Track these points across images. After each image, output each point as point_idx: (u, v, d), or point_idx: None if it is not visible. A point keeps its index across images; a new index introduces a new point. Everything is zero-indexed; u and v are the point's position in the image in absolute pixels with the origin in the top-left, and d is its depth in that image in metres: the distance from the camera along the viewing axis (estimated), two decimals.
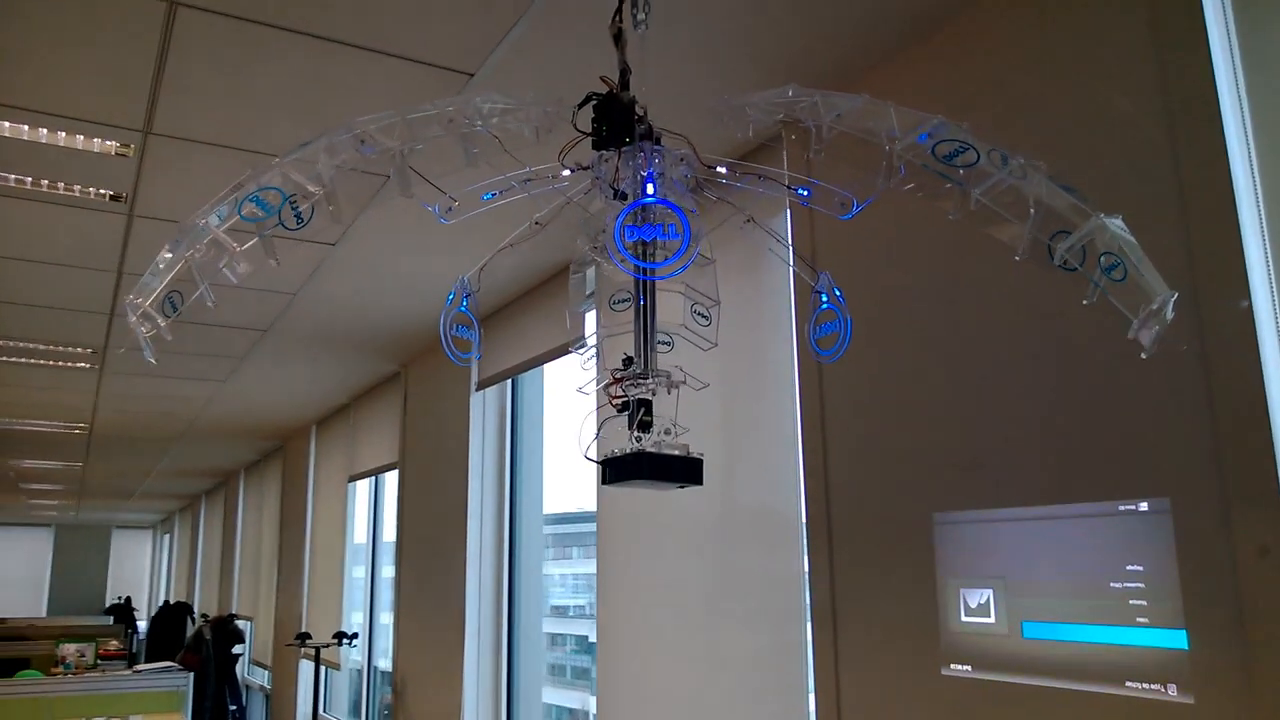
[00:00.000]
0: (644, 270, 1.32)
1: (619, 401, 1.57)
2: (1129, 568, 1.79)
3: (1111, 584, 1.81)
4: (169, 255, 1.36)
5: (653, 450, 1.48)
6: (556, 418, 4.75)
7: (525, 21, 2.29)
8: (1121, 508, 1.81)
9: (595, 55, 1.67)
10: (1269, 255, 1.67)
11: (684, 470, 1.49)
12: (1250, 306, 1.64)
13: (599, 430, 1.52)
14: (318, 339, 5.41)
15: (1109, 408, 1.86)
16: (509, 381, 4.77)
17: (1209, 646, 1.66)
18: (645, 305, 1.55)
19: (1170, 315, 1.24)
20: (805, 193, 1.50)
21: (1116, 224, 1.21)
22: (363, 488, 7.24)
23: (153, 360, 1.47)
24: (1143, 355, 1.26)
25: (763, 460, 2.78)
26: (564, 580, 5.00)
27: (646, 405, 1.55)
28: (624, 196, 1.57)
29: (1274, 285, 1.65)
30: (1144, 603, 1.76)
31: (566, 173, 1.56)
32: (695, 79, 2.48)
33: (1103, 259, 1.18)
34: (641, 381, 1.53)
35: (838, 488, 2.46)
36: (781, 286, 2.75)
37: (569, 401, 4.50)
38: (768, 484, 2.75)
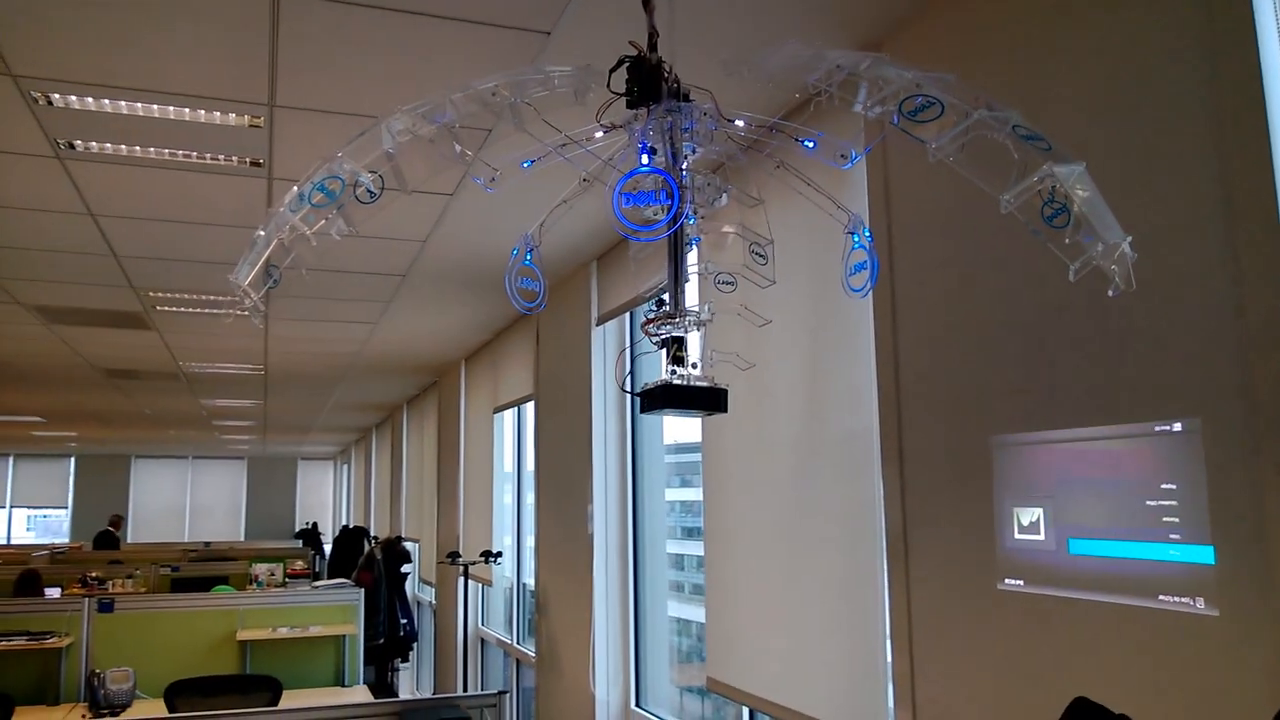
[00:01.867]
0: (635, 233, 1.45)
1: (656, 339, 1.76)
2: (1163, 486, 1.85)
3: (1147, 502, 1.88)
4: (261, 234, 1.61)
5: (678, 382, 1.65)
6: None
7: None
8: (1157, 428, 1.87)
9: (662, 4, 1.78)
10: None
11: (707, 399, 1.66)
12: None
13: (631, 364, 1.70)
14: (452, 281, 5.76)
15: (1147, 333, 1.90)
16: (627, 315, 4.97)
17: (1233, 562, 1.72)
18: (674, 252, 1.70)
19: (1130, 256, 1.31)
20: (811, 144, 1.61)
21: (1071, 171, 1.28)
22: (509, 418, 7.66)
23: (259, 325, 1.74)
24: (1110, 293, 1.34)
25: (845, 391, 2.89)
26: (687, 506, 5.23)
27: (679, 341, 1.72)
28: (654, 152, 1.73)
29: None
30: (1175, 520, 1.82)
31: (599, 134, 1.72)
32: (740, 37, 2.59)
33: (1045, 207, 1.26)
34: (671, 321, 1.70)
35: (909, 415, 2.57)
36: None
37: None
38: (848, 413, 2.87)
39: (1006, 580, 2.20)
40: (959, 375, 2.41)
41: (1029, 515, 2.16)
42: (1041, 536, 2.12)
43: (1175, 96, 1.87)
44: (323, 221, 1.64)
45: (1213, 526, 1.75)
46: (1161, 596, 1.84)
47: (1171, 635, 1.82)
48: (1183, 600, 1.80)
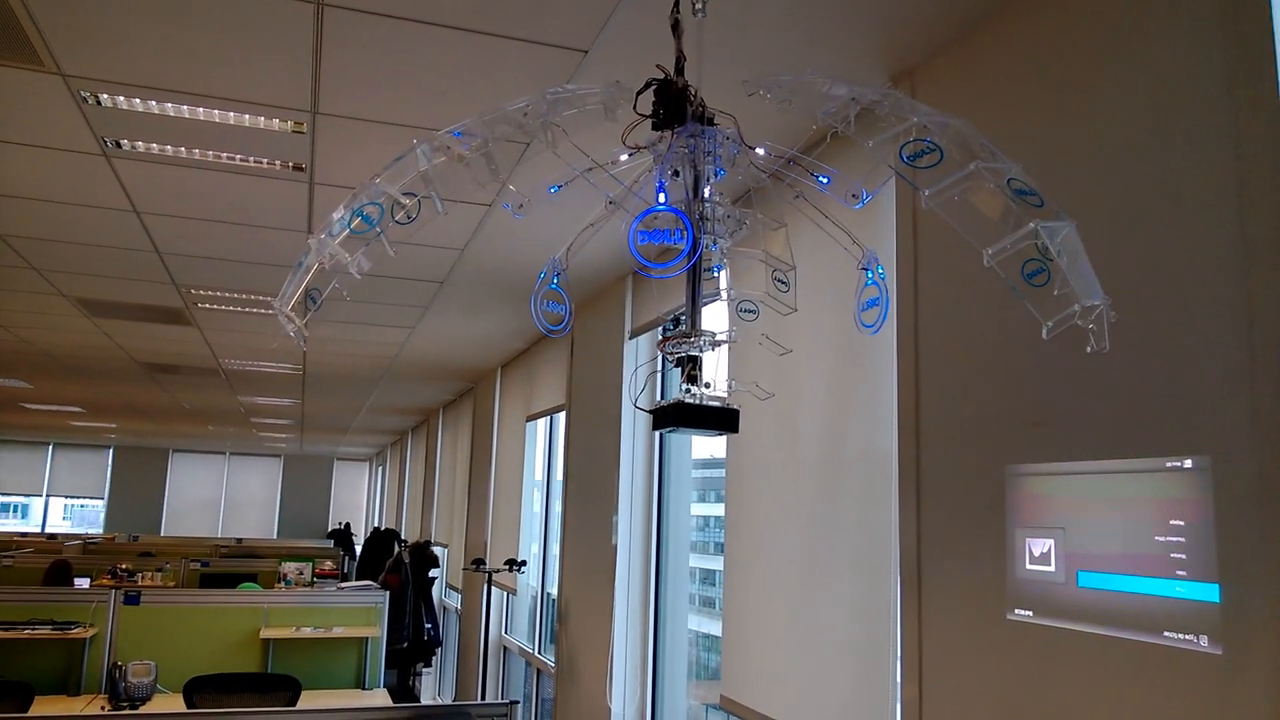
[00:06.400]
0: (650, 271, 1.49)
1: (673, 357, 1.79)
2: (1172, 522, 1.85)
3: (1156, 537, 1.88)
4: (303, 262, 1.67)
5: (691, 401, 1.68)
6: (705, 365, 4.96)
7: None
8: (1168, 464, 1.87)
9: (691, 29, 1.82)
10: None
11: (720, 419, 1.69)
12: None
13: (644, 383, 1.74)
14: (489, 289, 5.83)
15: (1161, 370, 1.91)
16: (659, 331, 5.01)
17: (1238, 601, 1.72)
18: (692, 274, 1.74)
19: (1110, 318, 1.33)
20: (825, 180, 1.64)
21: (1059, 229, 1.29)
22: (541, 427, 7.73)
23: (304, 347, 1.80)
24: (1088, 350, 1.36)
25: (865, 417, 2.91)
26: (719, 521, 5.24)
27: (694, 360, 1.76)
28: (677, 174, 1.77)
29: None
30: (1183, 556, 1.82)
31: (624, 158, 1.76)
32: (770, 61, 2.63)
33: (1026, 265, 1.28)
34: (687, 340, 1.74)
35: (927, 442, 2.58)
36: (886, 256, 2.85)
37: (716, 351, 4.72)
38: (868, 438, 2.88)
39: (1016, 610, 2.21)
40: (977, 404, 2.42)
41: (1040, 546, 2.16)
42: (1052, 568, 2.13)
43: (1203, 131, 1.88)
44: (364, 246, 1.69)
45: (1220, 565, 1.76)
46: (1166, 633, 1.84)
47: (1175, 672, 1.82)
48: (1187, 638, 1.80)
